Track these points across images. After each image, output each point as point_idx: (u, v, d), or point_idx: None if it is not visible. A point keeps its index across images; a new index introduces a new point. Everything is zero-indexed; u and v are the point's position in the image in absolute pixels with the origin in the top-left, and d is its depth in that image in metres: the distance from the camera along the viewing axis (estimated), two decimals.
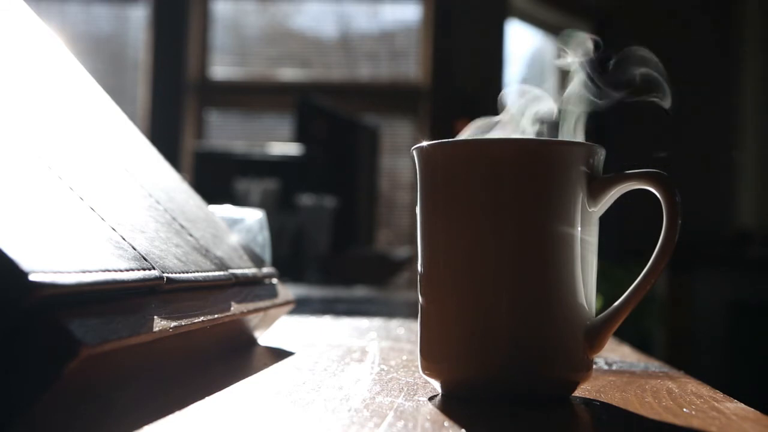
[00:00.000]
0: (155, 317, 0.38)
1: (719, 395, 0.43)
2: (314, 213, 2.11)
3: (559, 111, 0.45)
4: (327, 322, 0.81)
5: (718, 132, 3.67)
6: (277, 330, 0.69)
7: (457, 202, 0.41)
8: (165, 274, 0.41)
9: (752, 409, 0.39)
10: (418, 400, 0.40)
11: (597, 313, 0.42)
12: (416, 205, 0.44)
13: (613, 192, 0.42)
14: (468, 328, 0.41)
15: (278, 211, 2.01)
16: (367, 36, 3.73)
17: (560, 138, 0.45)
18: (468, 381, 0.41)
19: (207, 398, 0.39)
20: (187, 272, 0.45)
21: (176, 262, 0.45)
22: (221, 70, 3.72)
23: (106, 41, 3.75)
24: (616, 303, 0.42)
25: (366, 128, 2.84)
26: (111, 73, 3.67)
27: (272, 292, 0.62)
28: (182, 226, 0.53)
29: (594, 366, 0.43)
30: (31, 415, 0.30)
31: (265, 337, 0.64)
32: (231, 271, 0.54)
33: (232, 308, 0.50)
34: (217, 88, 3.70)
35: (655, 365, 0.56)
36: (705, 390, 0.45)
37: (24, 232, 0.32)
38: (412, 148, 0.44)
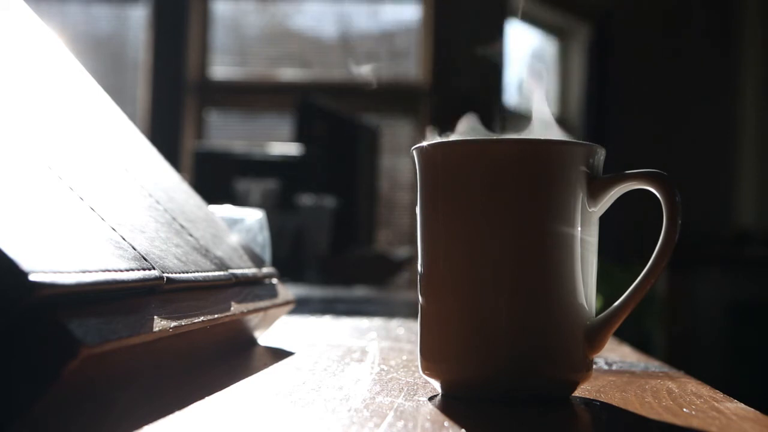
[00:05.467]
0: (155, 317, 0.38)
1: (719, 395, 0.43)
2: (314, 213, 2.11)
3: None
4: (327, 322, 0.81)
5: (718, 132, 3.67)
6: (277, 330, 0.69)
7: (457, 202, 0.41)
8: (165, 274, 0.41)
9: (752, 409, 0.39)
10: (418, 400, 0.40)
11: (597, 313, 0.42)
12: (416, 205, 0.44)
13: (613, 192, 0.42)
14: (468, 328, 0.41)
15: (278, 211, 2.01)
16: (367, 36, 3.73)
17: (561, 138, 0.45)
18: (468, 381, 0.41)
19: (207, 398, 0.39)
20: (187, 272, 0.45)
21: (176, 262, 0.45)
22: (221, 70, 3.72)
23: (106, 41, 3.75)
24: (616, 303, 0.42)
25: (366, 128, 2.84)
26: (111, 73, 3.67)
27: (272, 292, 0.62)
28: (182, 226, 0.53)
29: (594, 366, 0.43)
30: (31, 415, 0.30)
31: (265, 337, 0.64)
32: (231, 271, 0.54)
33: (232, 308, 0.50)
34: (217, 88, 3.70)
35: (655, 365, 0.56)
36: (705, 390, 0.45)
37: (24, 232, 0.32)
38: (412, 148, 0.44)
